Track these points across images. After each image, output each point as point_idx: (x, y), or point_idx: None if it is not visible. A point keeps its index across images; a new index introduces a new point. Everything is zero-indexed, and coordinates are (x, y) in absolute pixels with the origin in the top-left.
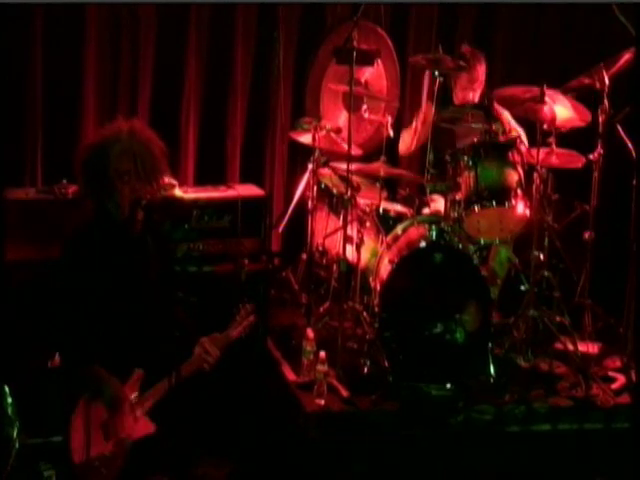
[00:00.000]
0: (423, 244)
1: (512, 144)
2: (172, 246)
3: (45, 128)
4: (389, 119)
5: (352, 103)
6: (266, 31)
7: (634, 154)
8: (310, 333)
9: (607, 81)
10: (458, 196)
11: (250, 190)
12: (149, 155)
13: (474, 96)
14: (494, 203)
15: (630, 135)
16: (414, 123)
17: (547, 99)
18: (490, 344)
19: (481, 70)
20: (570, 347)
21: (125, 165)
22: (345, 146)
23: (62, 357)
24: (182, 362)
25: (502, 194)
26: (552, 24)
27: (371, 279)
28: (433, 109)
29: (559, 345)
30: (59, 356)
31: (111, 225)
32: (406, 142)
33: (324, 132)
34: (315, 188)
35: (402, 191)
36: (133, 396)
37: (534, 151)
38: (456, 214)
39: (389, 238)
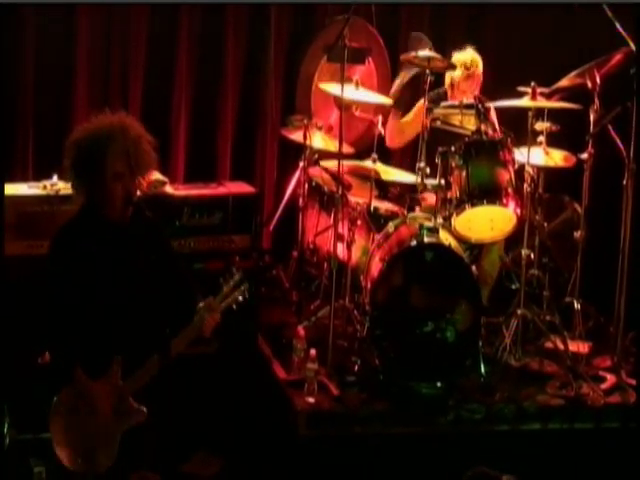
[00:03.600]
0: (414, 243)
1: (503, 143)
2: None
3: (36, 124)
4: (380, 117)
5: (343, 101)
6: (257, 28)
7: (624, 154)
8: (301, 331)
9: (599, 81)
10: (449, 195)
11: (241, 187)
12: (141, 153)
13: (468, 96)
14: (485, 202)
15: (621, 135)
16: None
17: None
18: (480, 343)
19: (480, 71)
20: (560, 346)
21: (120, 166)
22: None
23: (50, 352)
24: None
25: (493, 193)
26: (543, 23)
27: (362, 277)
28: (425, 106)
29: (549, 344)
30: (48, 352)
31: (99, 219)
32: (392, 132)
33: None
34: (306, 186)
35: (393, 189)
36: (117, 385)
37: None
38: (447, 213)
39: (380, 236)
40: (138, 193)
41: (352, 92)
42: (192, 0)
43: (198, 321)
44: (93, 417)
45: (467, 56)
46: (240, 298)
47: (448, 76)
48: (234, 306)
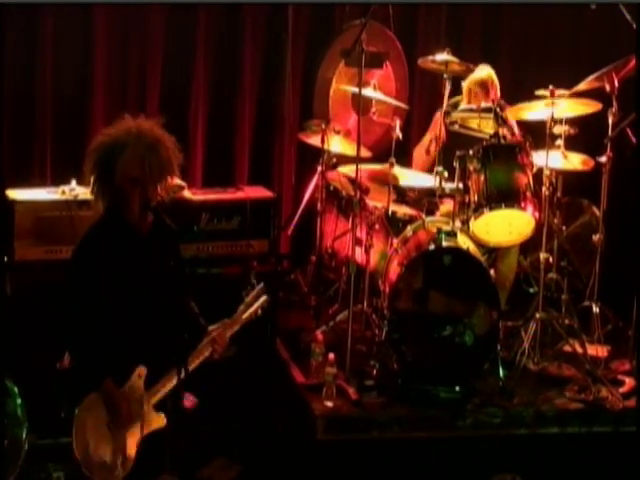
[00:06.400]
0: (432, 247)
1: (521, 147)
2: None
3: (54, 129)
4: (398, 121)
5: (361, 105)
6: (275, 32)
7: None
8: (319, 335)
9: (617, 84)
10: (467, 199)
11: (259, 192)
12: (158, 158)
13: (486, 100)
14: (503, 206)
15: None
16: (426, 142)
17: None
18: (499, 347)
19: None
20: (579, 350)
21: (134, 171)
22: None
23: (74, 357)
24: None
25: (511, 196)
26: (560, 25)
27: (380, 281)
28: (442, 111)
29: (568, 348)
30: (70, 357)
31: (121, 225)
32: (420, 161)
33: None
34: (324, 190)
35: (411, 193)
36: (139, 393)
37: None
38: (465, 216)
39: (398, 240)
40: (158, 198)
41: (370, 92)
42: (209, 0)
43: (208, 343)
44: (116, 426)
45: (483, 73)
46: (260, 312)
47: (465, 95)
48: (254, 317)
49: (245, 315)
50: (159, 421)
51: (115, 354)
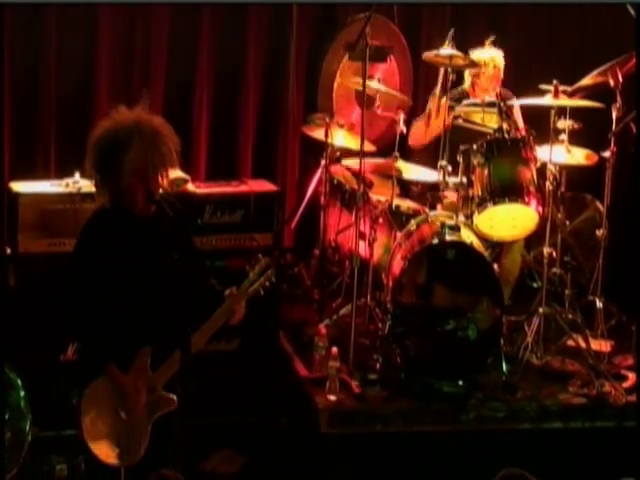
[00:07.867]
0: (436, 241)
1: (525, 141)
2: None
3: (58, 121)
4: (402, 115)
5: (365, 99)
6: (279, 26)
7: None
8: (322, 329)
9: (621, 79)
10: (471, 193)
11: (262, 185)
12: (159, 151)
13: (490, 93)
14: (507, 200)
15: None
16: (427, 111)
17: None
18: (502, 341)
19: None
20: (582, 345)
21: (138, 163)
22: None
23: (79, 341)
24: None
25: (515, 191)
26: (565, 21)
27: (383, 275)
28: (447, 104)
29: (571, 343)
30: (77, 344)
31: (124, 212)
32: (418, 134)
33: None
34: (328, 184)
35: (415, 187)
36: (145, 375)
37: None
38: (469, 211)
39: (402, 234)
40: (160, 190)
41: (375, 85)
42: (210, 0)
43: (225, 310)
44: (125, 410)
45: (486, 55)
46: (267, 283)
47: (468, 77)
48: (261, 291)
49: (250, 290)
50: (169, 402)
51: (119, 338)
